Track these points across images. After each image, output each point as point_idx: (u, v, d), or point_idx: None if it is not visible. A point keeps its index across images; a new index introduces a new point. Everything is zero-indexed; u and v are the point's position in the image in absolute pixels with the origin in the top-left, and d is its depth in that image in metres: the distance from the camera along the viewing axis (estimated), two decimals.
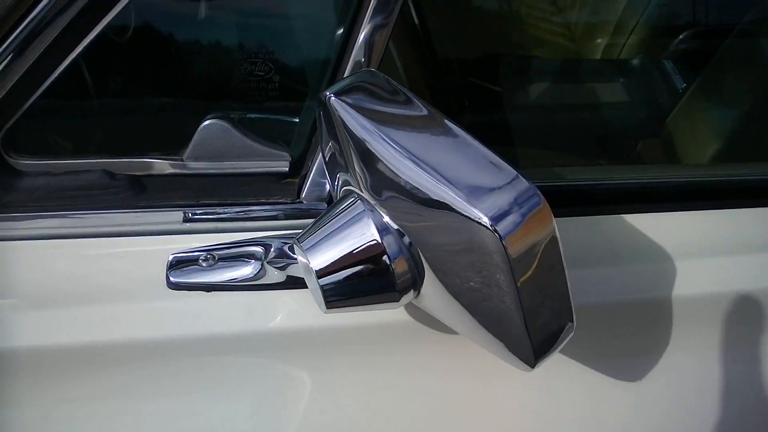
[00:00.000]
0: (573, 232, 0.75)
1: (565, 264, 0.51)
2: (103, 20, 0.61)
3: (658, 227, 0.81)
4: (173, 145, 0.69)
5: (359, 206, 0.53)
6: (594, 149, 1.79)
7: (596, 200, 0.78)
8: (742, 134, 1.57)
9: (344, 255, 0.53)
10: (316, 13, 0.74)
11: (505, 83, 1.80)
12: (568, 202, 0.77)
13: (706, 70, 1.70)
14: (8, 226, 0.67)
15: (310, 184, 0.67)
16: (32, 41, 0.58)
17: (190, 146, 0.67)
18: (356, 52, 0.64)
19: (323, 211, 0.56)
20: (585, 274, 0.77)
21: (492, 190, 0.47)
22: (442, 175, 0.48)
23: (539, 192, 0.48)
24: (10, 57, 0.59)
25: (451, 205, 0.47)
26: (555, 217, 0.50)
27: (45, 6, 0.57)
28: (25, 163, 0.69)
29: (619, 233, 0.78)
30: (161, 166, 0.68)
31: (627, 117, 1.88)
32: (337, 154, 0.55)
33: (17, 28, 0.57)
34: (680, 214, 0.84)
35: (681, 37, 1.82)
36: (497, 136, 1.67)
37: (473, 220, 0.47)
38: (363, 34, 0.63)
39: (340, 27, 0.66)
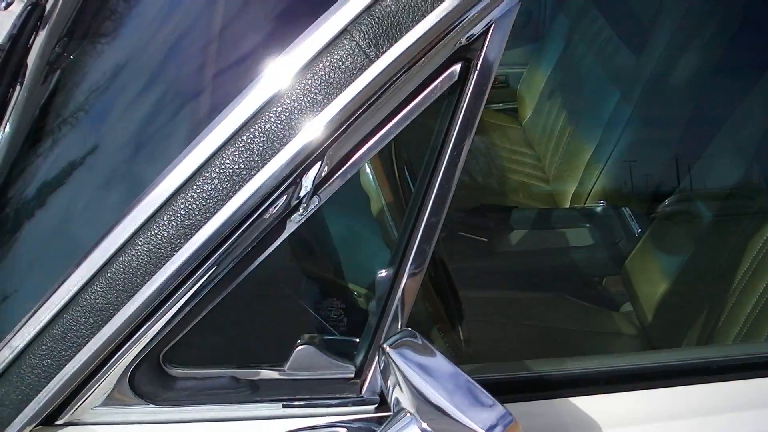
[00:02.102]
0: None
1: None
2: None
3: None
4: (275, 355, 1.06)
5: (407, 417, 0.89)
6: (566, 288, 2.18)
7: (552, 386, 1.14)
8: (685, 278, 1.95)
9: None
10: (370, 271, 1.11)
11: (488, 233, 2.20)
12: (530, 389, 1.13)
13: (655, 222, 2.10)
14: (166, 413, 1.03)
15: (368, 384, 1.04)
16: (204, 299, 0.96)
17: (290, 361, 1.04)
18: (398, 297, 1.02)
19: (386, 420, 0.92)
20: None
21: (483, 411, 0.84)
22: (456, 407, 0.84)
23: (511, 414, 0.85)
24: (190, 305, 0.96)
25: (465, 424, 0.83)
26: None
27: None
28: (178, 371, 1.05)
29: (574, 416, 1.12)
30: (270, 373, 1.05)
31: (592, 258, 2.28)
32: (391, 376, 0.92)
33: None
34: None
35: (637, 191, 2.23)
36: (481, 282, 2.06)
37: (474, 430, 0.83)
38: (404, 280, 1.01)
39: (387, 280, 1.04)
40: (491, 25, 0.88)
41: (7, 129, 1.40)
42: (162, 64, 1.15)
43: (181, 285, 0.92)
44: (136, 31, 1.32)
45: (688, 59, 2.04)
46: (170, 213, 0.90)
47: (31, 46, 1.64)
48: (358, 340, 1.05)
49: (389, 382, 0.89)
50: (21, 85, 1.52)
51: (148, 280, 0.91)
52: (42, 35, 1.62)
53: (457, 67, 0.89)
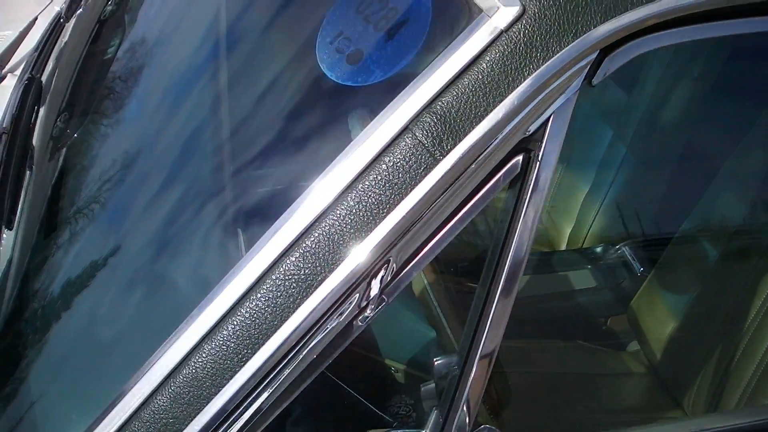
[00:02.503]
0: None
1: None
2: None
3: None
4: None
5: None
6: (572, 331, 2.19)
7: None
8: (694, 317, 1.97)
9: None
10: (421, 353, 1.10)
11: None
12: None
13: (660, 261, 2.12)
14: None
15: None
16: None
17: None
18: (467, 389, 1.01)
19: None
20: None
21: None
22: None
23: None
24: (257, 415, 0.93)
25: None
26: None
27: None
28: None
29: None
30: None
31: (596, 299, 2.29)
32: None
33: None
34: None
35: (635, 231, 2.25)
36: None
37: None
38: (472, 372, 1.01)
39: (449, 368, 1.03)
40: (552, 115, 0.87)
41: (24, 219, 1.36)
42: (214, 157, 1.13)
43: (249, 395, 0.90)
44: (177, 109, 1.29)
45: (680, 94, 2.06)
46: (235, 323, 0.87)
47: (34, 125, 1.60)
48: None
49: None
50: (30, 170, 1.48)
51: (215, 393, 0.88)
52: (42, 111, 1.58)
53: (519, 159, 0.89)
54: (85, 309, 1.08)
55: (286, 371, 0.91)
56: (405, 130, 0.85)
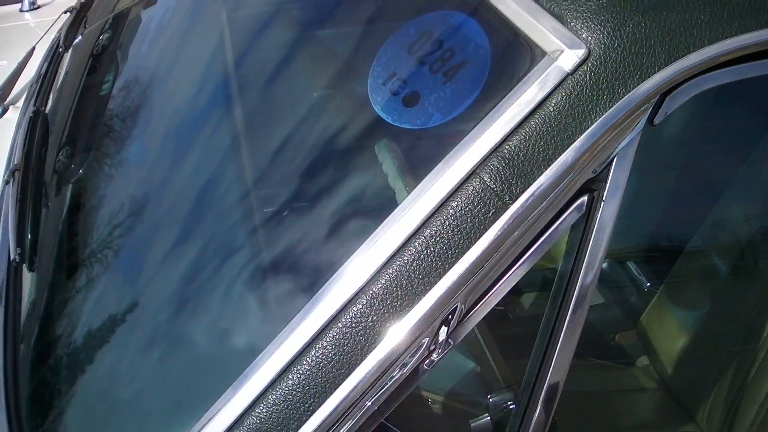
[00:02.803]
0: None
1: None
2: None
3: None
4: None
5: None
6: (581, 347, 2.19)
7: None
8: (706, 331, 1.99)
9: None
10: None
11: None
12: None
13: (670, 276, 2.14)
14: None
15: None
16: None
17: None
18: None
19: None
20: None
21: None
22: None
23: None
24: None
25: None
26: None
27: None
28: None
29: None
30: None
31: (604, 315, 2.30)
32: None
33: None
34: None
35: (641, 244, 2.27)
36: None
37: None
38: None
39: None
40: (616, 155, 0.88)
41: (45, 259, 1.33)
42: (274, 199, 1.11)
43: None
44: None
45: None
46: (301, 372, 0.87)
47: (45, 159, 1.57)
48: None
49: None
50: (47, 208, 1.45)
51: None
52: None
53: (584, 199, 0.89)
54: (135, 354, 1.06)
55: (351, 421, 0.89)
56: (472, 174, 0.85)
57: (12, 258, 1.27)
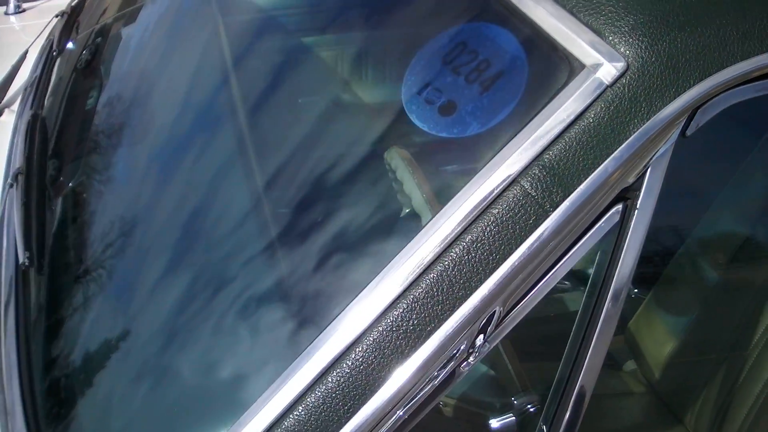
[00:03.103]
0: None
1: None
2: None
3: None
4: None
5: None
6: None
7: None
8: (693, 338, 2.04)
9: None
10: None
11: None
12: None
13: (658, 283, 2.19)
14: None
15: None
16: None
17: None
18: None
19: None
20: None
21: None
22: None
23: None
24: None
25: None
26: None
27: None
28: None
29: None
30: None
31: None
32: None
33: None
34: None
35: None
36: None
37: None
38: None
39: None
40: (650, 166, 0.91)
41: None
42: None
43: None
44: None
45: None
46: (341, 374, 0.88)
47: (47, 162, 1.55)
48: None
49: None
50: (52, 210, 1.44)
51: None
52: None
53: (619, 207, 0.91)
54: (168, 354, 1.06)
55: (388, 423, 0.90)
56: (513, 182, 0.87)
57: (21, 261, 1.26)
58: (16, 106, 1.83)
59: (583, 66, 0.89)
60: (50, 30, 2.06)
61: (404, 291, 0.87)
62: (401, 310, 0.87)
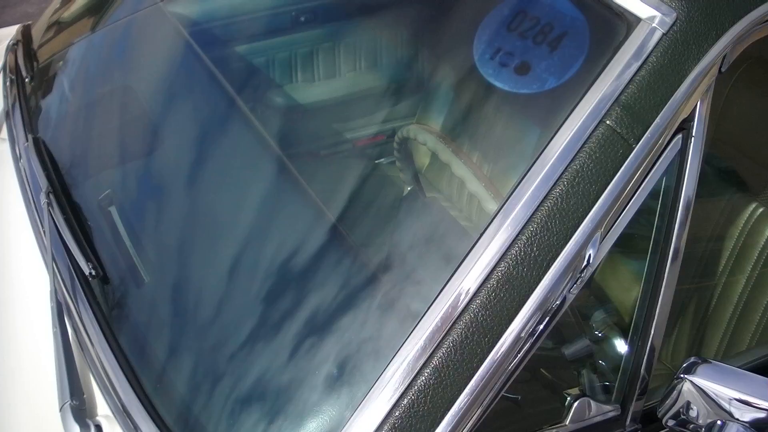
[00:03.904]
0: None
1: None
2: None
3: None
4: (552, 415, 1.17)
5: (729, 424, 1.06)
6: None
7: None
8: None
9: None
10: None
11: None
12: None
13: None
14: None
15: (630, 417, 1.19)
16: None
17: (570, 416, 1.16)
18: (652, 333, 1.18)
19: None
20: None
21: None
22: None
23: None
24: None
25: None
26: None
27: None
28: None
29: None
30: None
31: None
32: (684, 399, 1.09)
33: None
34: None
35: None
36: None
37: None
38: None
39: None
40: (700, 99, 1.09)
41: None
42: None
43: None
44: None
45: None
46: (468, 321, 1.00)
47: (68, 180, 1.59)
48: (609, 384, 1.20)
49: (678, 406, 1.06)
50: (91, 222, 1.48)
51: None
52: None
53: (679, 137, 1.09)
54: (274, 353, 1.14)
55: (514, 360, 1.03)
56: (600, 122, 1.02)
57: (88, 273, 1.30)
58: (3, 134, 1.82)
59: (639, 19, 1.05)
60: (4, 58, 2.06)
61: (523, 227, 1.00)
62: (521, 244, 1.00)
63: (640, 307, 1.15)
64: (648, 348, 1.15)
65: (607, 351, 1.22)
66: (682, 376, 1.05)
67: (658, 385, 1.25)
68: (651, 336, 1.14)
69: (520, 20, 1.12)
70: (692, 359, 1.07)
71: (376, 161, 2.04)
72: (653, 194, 1.06)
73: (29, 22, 2.25)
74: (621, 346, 1.20)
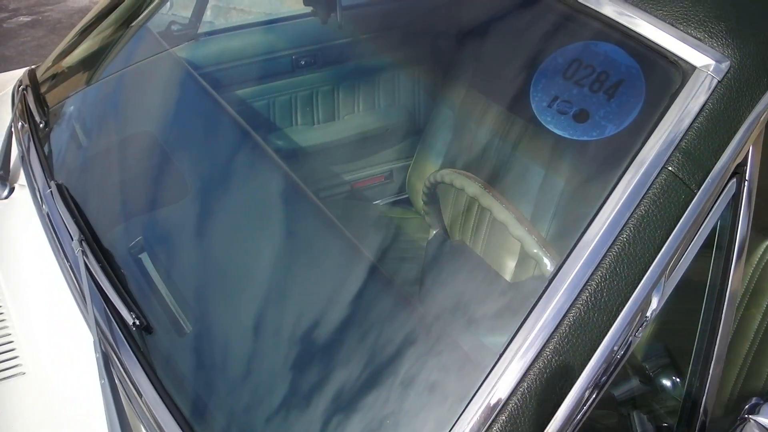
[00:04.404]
0: None
1: None
2: None
3: None
4: None
5: None
6: None
7: None
8: None
9: None
10: None
11: None
12: None
13: None
14: None
15: None
16: None
17: None
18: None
19: None
20: None
21: None
22: None
23: None
24: None
25: None
26: None
27: None
28: None
29: None
30: None
31: None
32: None
33: None
34: None
35: None
36: None
37: None
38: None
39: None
40: (753, 144, 1.12)
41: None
42: None
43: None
44: None
45: None
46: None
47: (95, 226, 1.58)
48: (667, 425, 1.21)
49: None
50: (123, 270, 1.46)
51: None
52: None
53: (734, 181, 1.12)
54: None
55: (585, 405, 1.04)
56: (662, 168, 1.04)
57: (131, 322, 1.29)
58: (21, 181, 1.80)
59: (694, 67, 1.08)
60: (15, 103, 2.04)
61: (593, 272, 1.02)
62: (591, 289, 1.02)
63: (698, 348, 1.17)
64: (707, 388, 1.16)
65: (662, 393, 1.23)
66: (746, 416, 1.06)
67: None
68: (709, 376, 1.15)
69: (575, 69, 1.14)
70: (754, 400, 1.09)
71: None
72: (710, 237, 1.08)
73: (34, 66, 2.23)
74: (677, 387, 1.21)
